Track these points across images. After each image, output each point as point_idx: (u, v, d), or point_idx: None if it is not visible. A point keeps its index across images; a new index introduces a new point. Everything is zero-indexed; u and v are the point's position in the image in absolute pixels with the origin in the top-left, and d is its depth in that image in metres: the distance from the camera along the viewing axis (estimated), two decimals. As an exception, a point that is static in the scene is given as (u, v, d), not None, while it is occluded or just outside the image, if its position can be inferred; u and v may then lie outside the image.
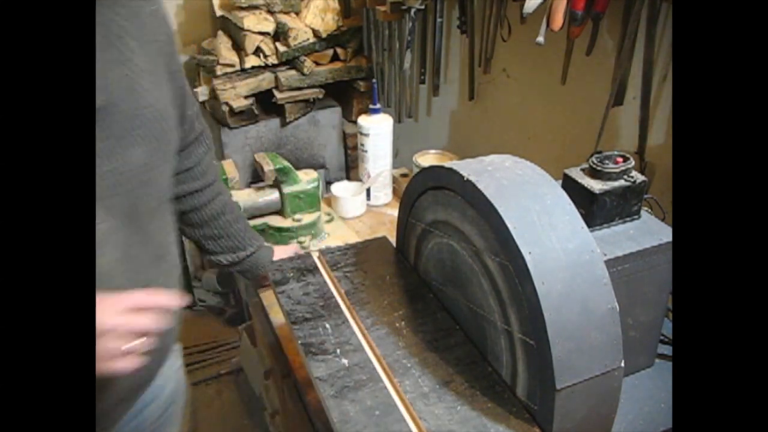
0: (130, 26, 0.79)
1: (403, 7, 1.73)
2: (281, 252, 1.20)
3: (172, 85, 0.87)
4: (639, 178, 0.87)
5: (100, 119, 0.73)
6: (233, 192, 1.51)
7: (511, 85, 1.70)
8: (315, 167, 2.04)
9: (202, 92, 2.00)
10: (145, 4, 0.82)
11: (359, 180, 1.70)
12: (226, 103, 1.88)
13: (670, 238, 0.86)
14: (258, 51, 1.96)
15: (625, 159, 0.87)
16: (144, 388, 0.93)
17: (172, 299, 0.74)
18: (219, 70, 1.93)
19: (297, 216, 1.51)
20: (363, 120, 1.61)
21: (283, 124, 2.01)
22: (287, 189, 1.51)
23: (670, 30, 1.17)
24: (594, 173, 0.87)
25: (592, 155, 0.88)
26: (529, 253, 0.71)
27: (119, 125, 0.76)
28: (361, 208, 1.65)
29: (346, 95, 2.15)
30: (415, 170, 1.61)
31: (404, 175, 1.76)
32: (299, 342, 0.88)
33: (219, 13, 2.00)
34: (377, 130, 1.60)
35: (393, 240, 1.12)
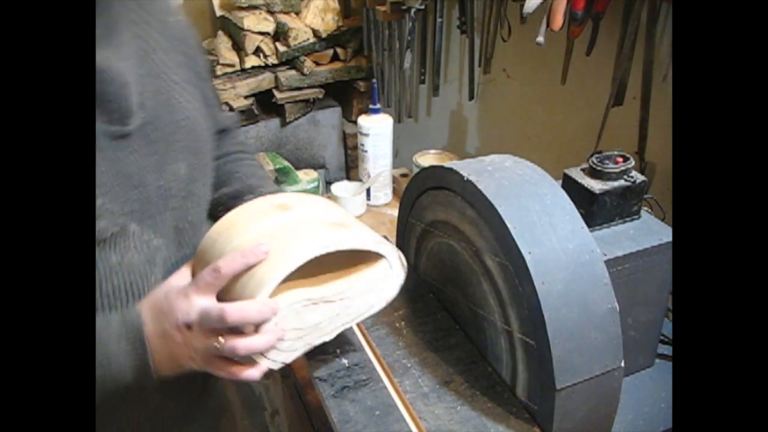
0: (161, 39, 0.78)
1: (403, 7, 1.73)
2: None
3: (200, 95, 0.85)
4: (639, 178, 0.87)
5: (145, 136, 0.73)
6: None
7: (511, 85, 1.70)
8: (315, 167, 2.04)
9: (202, 92, 2.00)
10: (170, 15, 0.82)
11: (359, 180, 1.70)
12: (227, 103, 1.88)
13: (670, 238, 0.85)
14: (258, 51, 1.96)
15: (625, 159, 0.87)
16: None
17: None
18: (219, 70, 1.93)
19: (297, 216, 1.51)
20: (363, 120, 1.61)
21: (283, 124, 2.01)
22: (287, 189, 1.51)
23: (670, 30, 1.17)
24: (594, 173, 0.87)
25: (592, 155, 0.88)
26: (529, 253, 0.71)
27: (162, 141, 0.75)
28: (361, 208, 1.65)
29: (346, 95, 2.15)
30: (415, 170, 1.60)
31: (404, 175, 1.76)
32: (299, 342, 0.88)
33: (219, 13, 2.00)
34: (377, 130, 1.60)
35: (393, 240, 1.12)
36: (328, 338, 0.74)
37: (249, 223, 0.70)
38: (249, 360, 0.67)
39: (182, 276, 0.71)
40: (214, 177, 0.91)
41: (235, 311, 0.63)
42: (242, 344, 0.64)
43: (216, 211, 0.90)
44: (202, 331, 0.65)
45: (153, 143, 0.74)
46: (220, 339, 0.64)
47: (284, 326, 0.67)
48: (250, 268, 0.65)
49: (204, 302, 0.65)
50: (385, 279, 0.78)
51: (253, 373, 0.67)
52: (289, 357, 0.70)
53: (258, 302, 0.64)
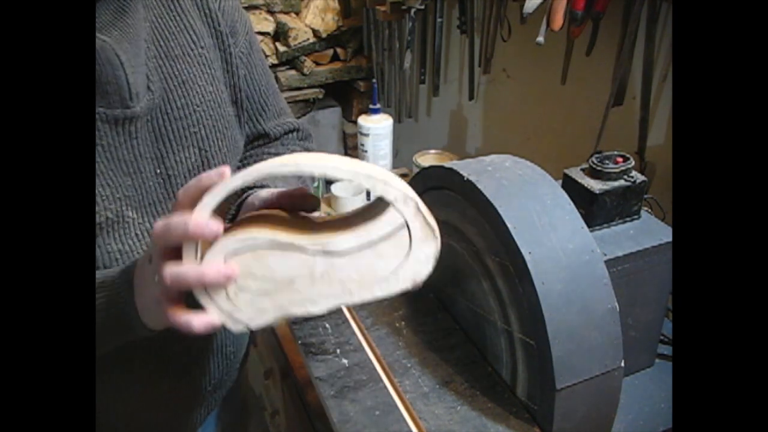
0: (187, 18, 0.77)
1: (403, 7, 1.73)
2: None
3: (229, 81, 0.82)
4: (639, 178, 0.87)
5: (150, 121, 0.71)
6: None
7: (511, 85, 1.70)
8: (315, 167, 2.03)
9: (202, 92, 2.00)
10: None
11: (359, 180, 1.70)
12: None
13: (670, 238, 0.86)
14: (258, 51, 1.96)
15: (625, 159, 0.87)
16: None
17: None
18: (219, 70, 1.93)
19: (297, 216, 1.51)
20: (363, 120, 1.61)
21: (283, 124, 2.01)
22: (287, 189, 1.51)
23: (670, 30, 1.17)
24: (594, 173, 0.87)
25: (592, 155, 0.88)
26: (529, 253, 0.71)
27: (171, 127, 0.73)
28: (361, 208, 1.65)
29: (346, 95, 2.15)
30: (415, 170, 1.61)
31: (404, 175, 1.76)
32: (299, 342, 0.88)
33: (219, 13, 2.00)
34: (377, 130, 1.60)
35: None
36: (314, 309, 0.58)
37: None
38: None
39: None
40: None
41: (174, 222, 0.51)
42: (174, 270, 0.52)
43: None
44: (156, 257, 0.55)
45: (159, 129, 0.72)
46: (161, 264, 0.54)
47: (237, 267, 0.54)
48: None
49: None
50: (403, 245, 0.61)
51: (197, 321, 0.54)
52: (254, 317, 0.56)
53: (191, 217, 0.51)
